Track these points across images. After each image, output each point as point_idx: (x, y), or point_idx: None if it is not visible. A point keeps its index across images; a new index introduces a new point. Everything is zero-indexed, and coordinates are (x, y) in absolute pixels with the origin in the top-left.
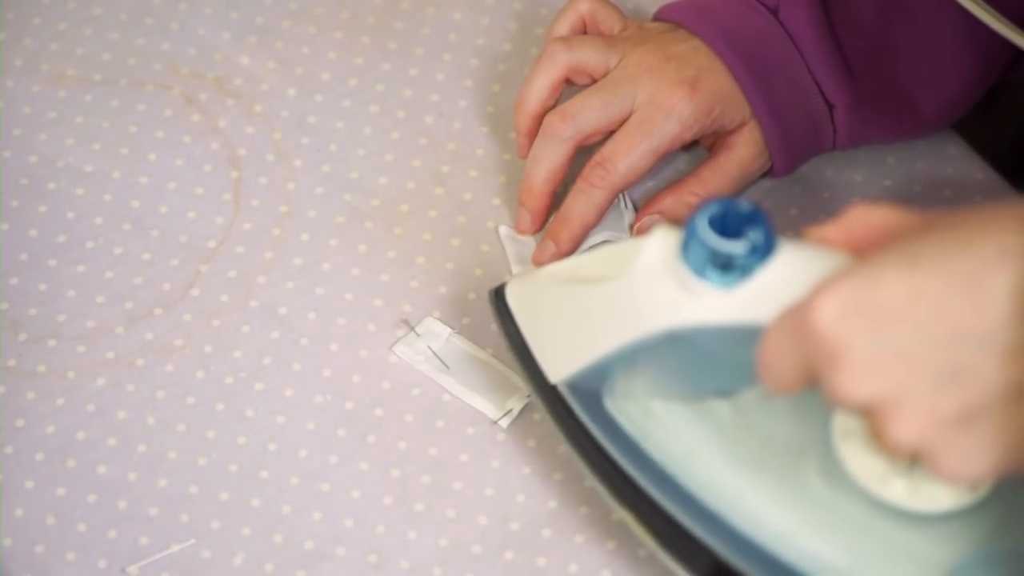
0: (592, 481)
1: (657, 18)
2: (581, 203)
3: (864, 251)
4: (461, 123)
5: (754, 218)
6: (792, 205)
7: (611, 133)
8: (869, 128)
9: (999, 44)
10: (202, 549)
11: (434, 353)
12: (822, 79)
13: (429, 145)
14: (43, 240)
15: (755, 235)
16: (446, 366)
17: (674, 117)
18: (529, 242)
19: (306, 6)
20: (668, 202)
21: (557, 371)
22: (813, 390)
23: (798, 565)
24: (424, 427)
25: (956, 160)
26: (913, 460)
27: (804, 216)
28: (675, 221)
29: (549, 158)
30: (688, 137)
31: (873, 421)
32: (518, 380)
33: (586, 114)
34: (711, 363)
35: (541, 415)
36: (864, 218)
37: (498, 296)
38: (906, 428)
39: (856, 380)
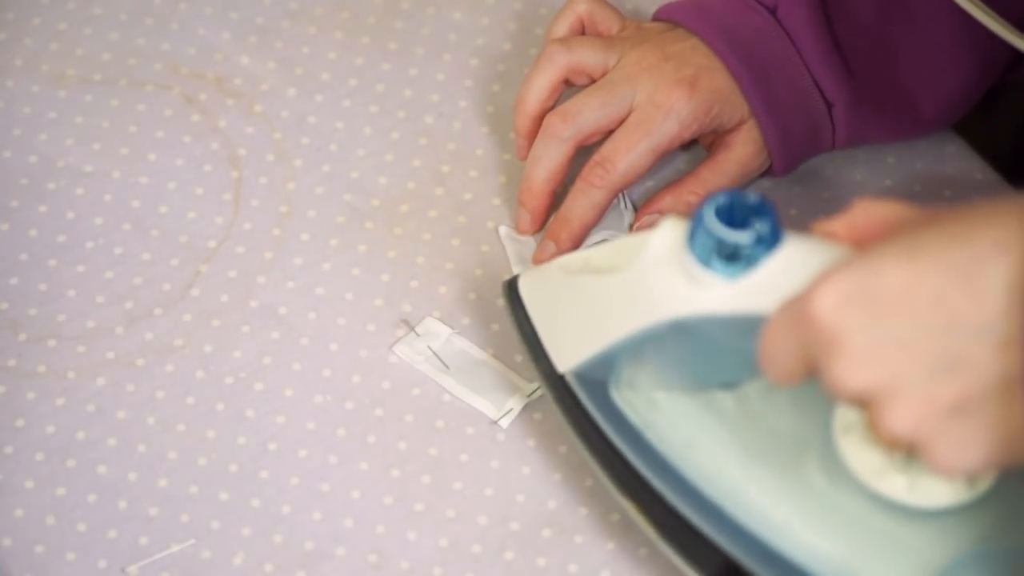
0: (595, 470)
1: (656, 18)
2: (581, 203)
3: (868, 244)
4: (461, 123)
5: (761, 209)
6: (792, 205)
7: (611, 133)
8: (868, 127)
9: (998, 46)
10: (202, 549)
11: (434, 353)
12: (821, 78)
13: (429, 145)
14: (43, 240)
15: (761, 226)
16: (446, 366)
17: (673, 116)
18: (529, 242)
19: (306, 6)
20: (667, 201)
21: (566, 361)
22: (815, 383)
23: (796, 557)
24: (424, 427)
25: (956, 160)
26: (909, 453)
27: (804, 216)
28: None
29: (549, 158)
30: (687, 136)
31: (870, 412)
32: (518, 380)
33: (585, 114)
34: (715, 353)
35: (542, 413)
36: (869, 212)
37: (511, 287)
38: (901, 417)
39: (853, 369)
